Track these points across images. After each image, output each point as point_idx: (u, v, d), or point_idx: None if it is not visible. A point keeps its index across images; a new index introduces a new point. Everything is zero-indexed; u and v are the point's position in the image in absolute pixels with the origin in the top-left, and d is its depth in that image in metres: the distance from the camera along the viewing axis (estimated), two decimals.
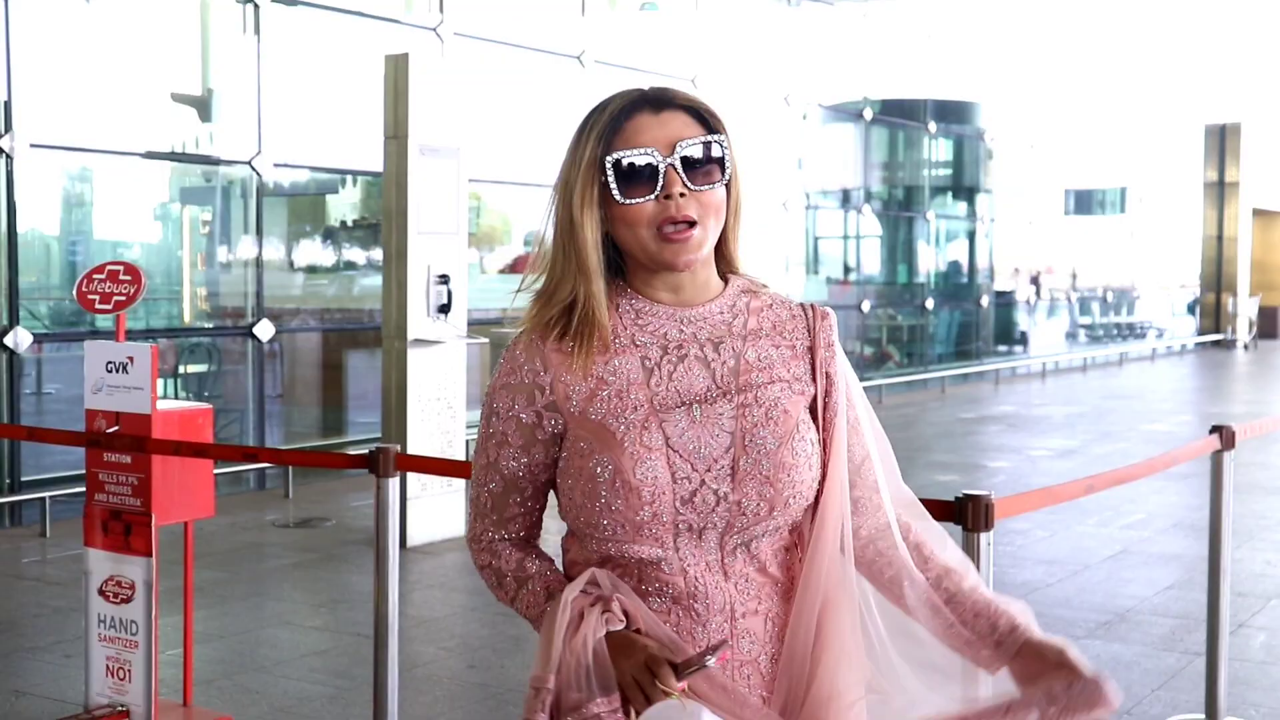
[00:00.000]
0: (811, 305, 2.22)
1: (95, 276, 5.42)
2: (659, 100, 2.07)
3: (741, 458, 2.05)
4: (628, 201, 2.02)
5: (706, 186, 2.03)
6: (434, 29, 12.22)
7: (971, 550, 3.63)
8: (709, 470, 2.04)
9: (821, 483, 2.12)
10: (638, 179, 2.01)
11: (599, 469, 2.04)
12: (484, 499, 2.19)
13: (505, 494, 2.17)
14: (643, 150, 2.01)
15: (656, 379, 2.08)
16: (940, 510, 3.68)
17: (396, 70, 8.44)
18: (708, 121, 2.08)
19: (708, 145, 2.04)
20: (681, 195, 2.01)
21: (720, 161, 2.05)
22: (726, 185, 2.08)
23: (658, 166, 2.01)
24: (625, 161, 2.01)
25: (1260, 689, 5.69)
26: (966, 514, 3.65)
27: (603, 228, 2.07)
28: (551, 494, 2.20)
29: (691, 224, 2.02)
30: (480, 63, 12.61)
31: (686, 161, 2.01)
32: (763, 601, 2.10)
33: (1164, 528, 8.95)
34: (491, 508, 2.18)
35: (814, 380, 2.16)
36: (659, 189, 2.01)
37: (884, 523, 2.19)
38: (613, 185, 2.02)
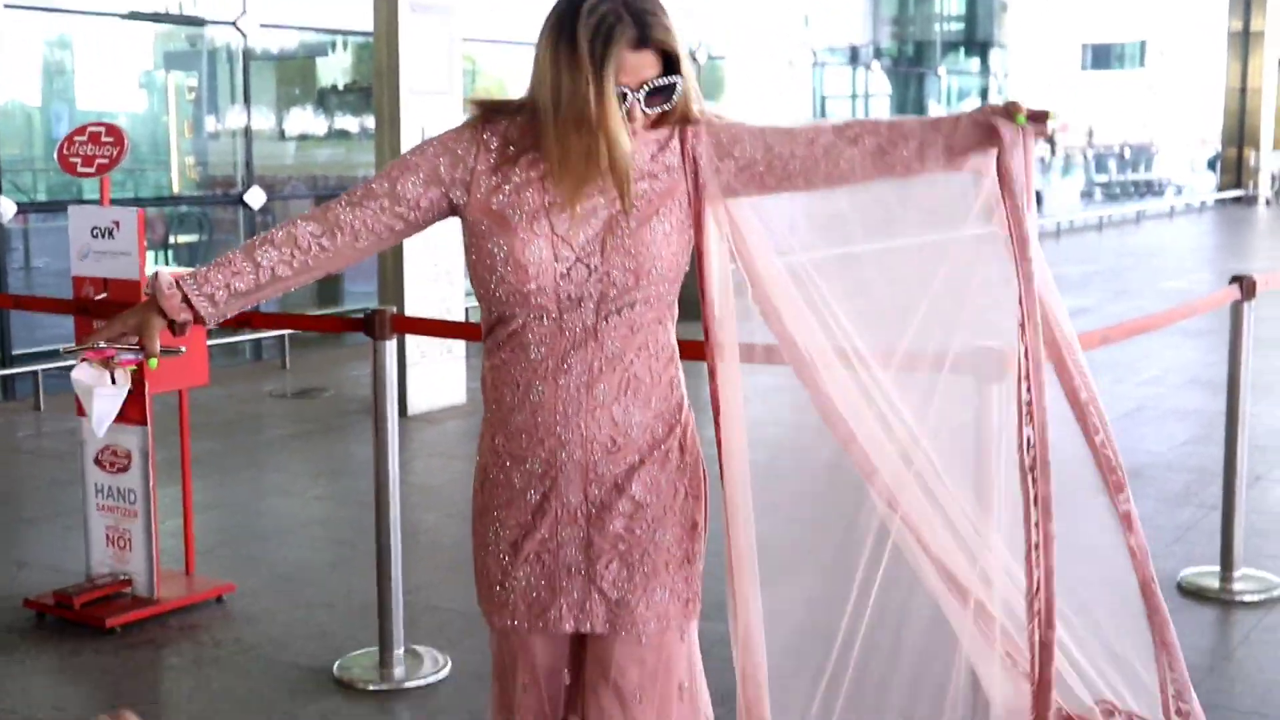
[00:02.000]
0: (709, 117, 2.64)
1: (76, 139, 5.39)
2: (641, 39, 2.44)
3: (608, 238, 2.48)
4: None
5: (656, 109, 2.51)
6: None
7: (987, 404, 3.64)
8: (583, 249, 2.49)
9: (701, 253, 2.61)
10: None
11: (495, 249, 2.51)
12: (357, 189, 2.61)
13: (371, 197, 2.58)
14: (620, 87, 2.42)
15: (551, 184, 2.51)
16: (954, 363, 3.70)
17: None
18: (670, 59, 2.49)
19: (667, 86, 2.49)
20: (637, 117, 2.48)
21: (671, 91, 2.51)
22: (668, 104, 2.54)
23: (627, 95, 2.45)
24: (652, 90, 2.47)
25: (1275, 541, 5.74)
26: (981, 368, 3.65)
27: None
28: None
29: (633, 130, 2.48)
30: None
31: (648, 95, 2.47)
32: (623, 362, 2.52)
33: (1180, 384, 8.98)
34: (352, 196, 2.60)
35: (684, 174, 2.58)
36: (624, 109, 2.45)
37: (800, 139, 2.56)
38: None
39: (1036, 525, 2.83)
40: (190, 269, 2.51)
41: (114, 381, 2.54)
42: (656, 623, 2.53)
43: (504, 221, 2.50)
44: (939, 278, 2.75)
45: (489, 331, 2.59)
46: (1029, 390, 2.80)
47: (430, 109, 8.43)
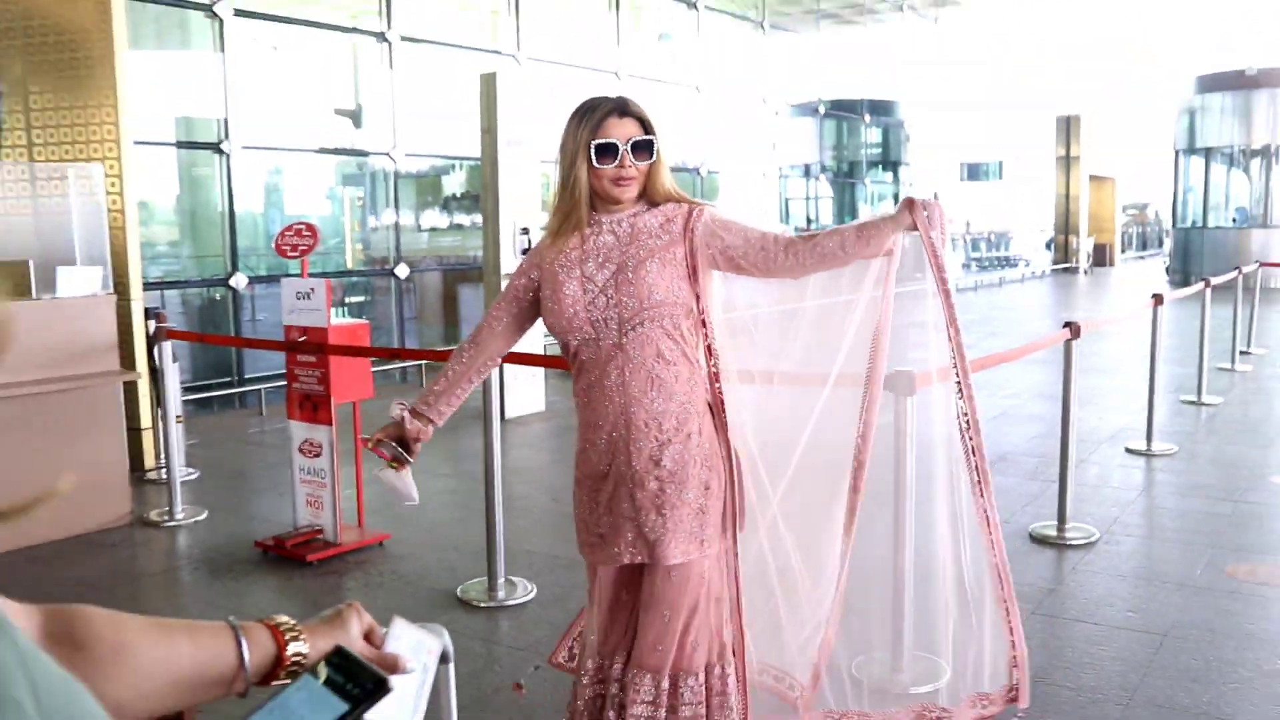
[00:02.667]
0: (693, 203, 2.59)
1: (286, 233, 5.46)
2: (622, 110, 2.48)
3: (619, 276, 2.47)
4: (602, 166, 2.47)
5: (643, 162, 2.50)
6: (514, 55, 12.12)
7: (901, 409, 3.66)
8: (603, 285, 2.49)
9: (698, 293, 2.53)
10: (607, 154, 2.46)
11: (547, 294, 2.54)
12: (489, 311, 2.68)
13: (499, 300, 2.66)
14: (611, 140, 2.46)
15: (584, 245, 2.52)
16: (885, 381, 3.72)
17: (488, 85, 8.39)
18: (646, 125, 2.51)
19: (646, 142, 2.49)
20: (629, 165, 2.48)
21: (650, 147, 2.49)
22: (652, 159, 2.52)
23: (618, 146, 2.46)
24: (603, 144, 2.46)
25: (1092, 503, 5.74)
26: (898, 384, 3.67)
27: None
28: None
29: (631, 179, 2.50)
30: (547, 78, 12.52)
31: (634, 148, 2.47)
32: (645, 366, 2.48)
33: (1031, 397, 8.97)
34: (489, 311, 2.67)
35: (683, 240, 2.52)
36: (617, 161, 2.47)
37: (776, 243, 2.53)
38: (593, 157, 2.47)
39: (986, 499, 2.75)
40: (416, 402, 2.64)
41: (397, 471, 2.61)
42: (680, 557, 2.50)
43: (553, 275, 2.53)
44: (853, 323, 2.72)
45: (570, 361, 2.57)
46: (965, 397, 2.82)
47: (518, 210, 8.50)
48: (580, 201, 2.51)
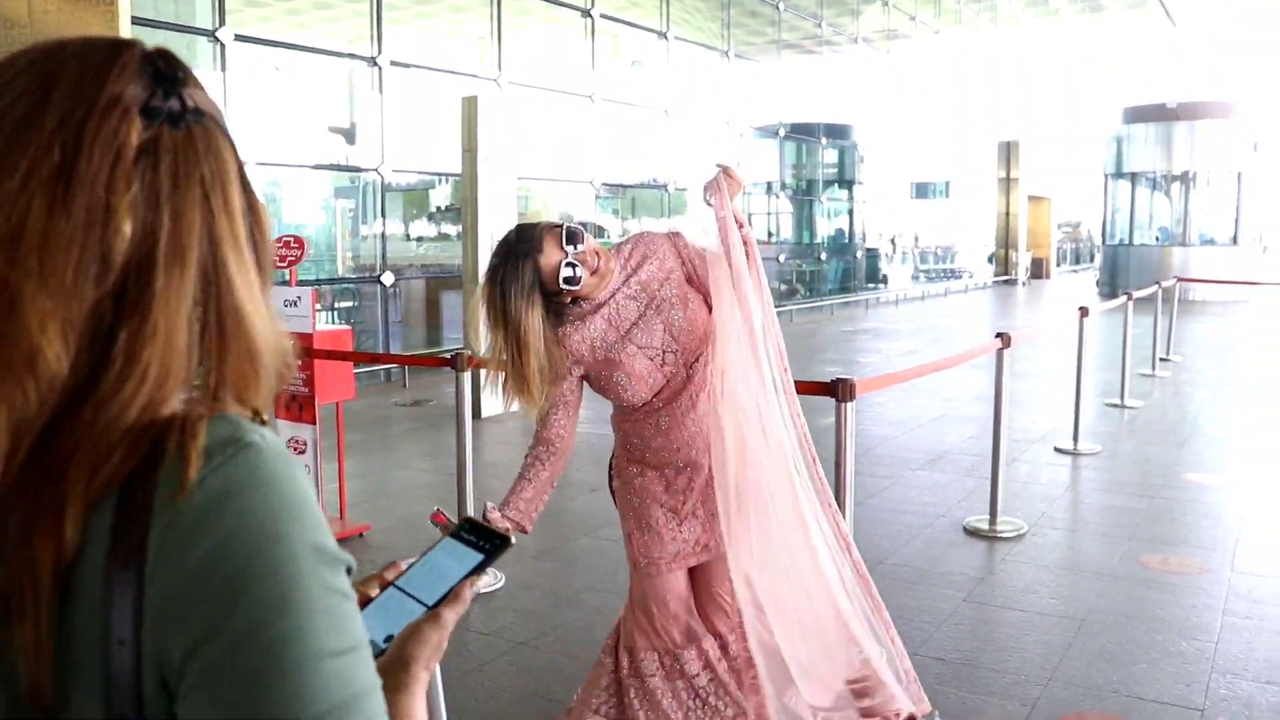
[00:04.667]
0: (671, 232, 2.58)
1: (275, 244, 5.40)
2: (524, 251, 2.34)
3: (672, 329, 2.44)
4: (569, 284, 2.37)
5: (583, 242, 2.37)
6: (495, 80, 12.07)
7: (841, 414, 3.65)
8: (663, 347, 2.45)
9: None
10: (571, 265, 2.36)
11: (619, 378, 2.43)
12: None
13: (552, 405, 2.48)
14: (566, 259, 2.34)
15: (613, 323, 2.45)
16: (820, 389, 3.71)
17: (469, 107, 8.35)
18: (548, 234, 2.37)
19: (575, 230, 2.37)
20: (587, 249, 2.37)
21: (575, 239, 2.36)
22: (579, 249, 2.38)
23: (568, 260, 2.34)
24: (567, 263, 2.35)
25: (1022, 499, 5.75)
26: (838, 390, 3.66)
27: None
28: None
29: (592, 260, 2.38)
30: (526, 100, 12.48)
31: (572, 236, 2.35)
32: (708, 381, 2.47)
33: (968, 400, 8.99)
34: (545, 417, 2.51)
35: (682, 264, 2.51)
36: (577, 261, 2.35)
37: None
38: (562, 276, 2.36)
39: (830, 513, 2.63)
40: (506, 507, 2.47)
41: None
42: (718, 552, 2.57)
43: (610, 363, 2.44)
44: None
45: (632, 410, 2.53)
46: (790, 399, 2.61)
47: (496, 223, 8.45)
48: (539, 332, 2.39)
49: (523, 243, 2.36)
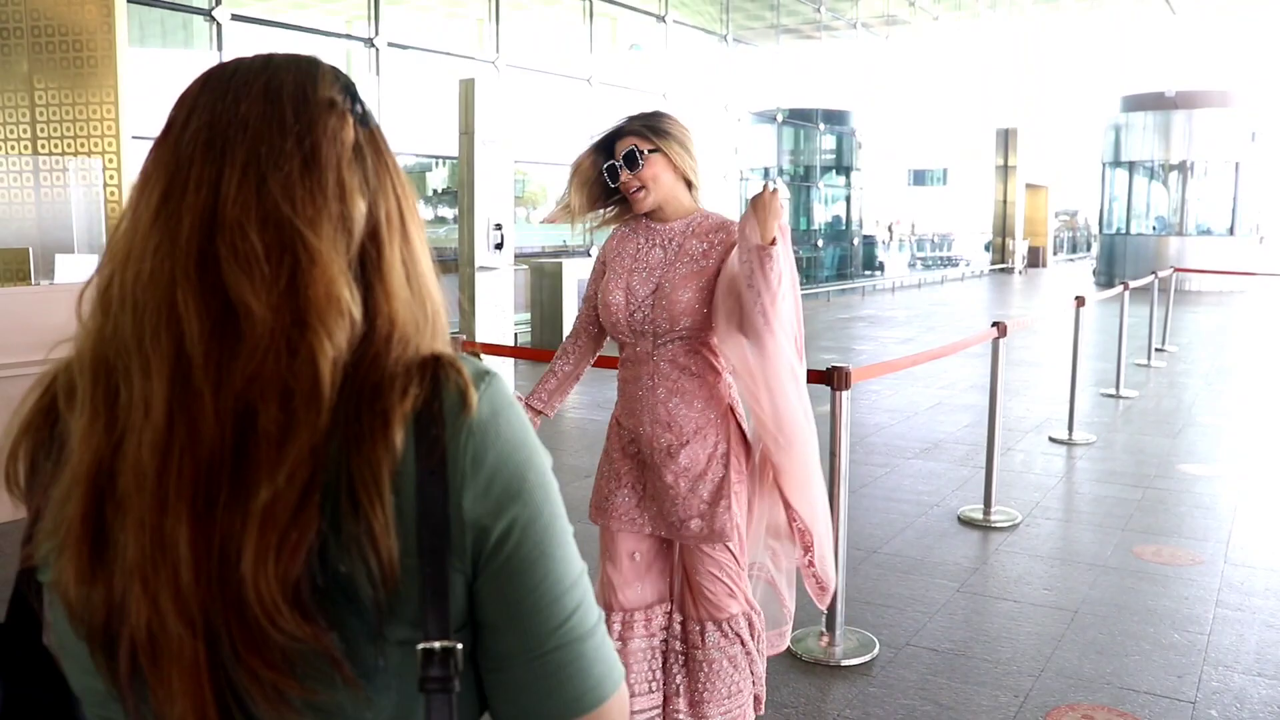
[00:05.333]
0: (733, 222, 2.57)
1: None
2: (619, 131, 2.55)
3: (656, 296, 2.51)
4: (613, 184, 2.58)
5: (640, 168, 2.52)
6: (493, 62, 12.01)
7: (836, 402, 3.65)
8: (642, 300, 2.52)
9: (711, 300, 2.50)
10: (613, 174, 2.56)
11: (602, 290, 2.60)
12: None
13: (588, 308, 2.71)
14: (610, 161, 2.56)
15: (637, 255, 2.58)
16: (818, 377, 3.71)
17: (466, 90, 8.31)
18: (647, 134, 2.53)
19: (629, 153, 2.51)
20: (627, 177, 2.54)
21: (633, 157, 2.50)
22: (669, 160, 2.54)
23: (616, 165, 2.54)
24: (608, 166, 2.57)
25: (1018, 488, 5.76)
26: (834, 379, 3.66)
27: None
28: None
29: (641, 188, 2.53)
30: (524, 83, 12.43)
31: (628, 159, 2.51)
32: (671, 377, 2.53)
33: (964, 388, 8.99)
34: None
35: (721, 263, 2.50)
36: (619, 176, 2.55)
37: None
38: (606, 177, 2.58)
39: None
40: (529, 397, 2.73)
41: None
42: (693, 540, 2.57)
43: (608, 277, 2.60)
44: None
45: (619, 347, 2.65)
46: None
47: (493, 207, 8.42)
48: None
49: (612, 136, 2.60)
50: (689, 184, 2.59)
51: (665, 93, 15.09)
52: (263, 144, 0.79)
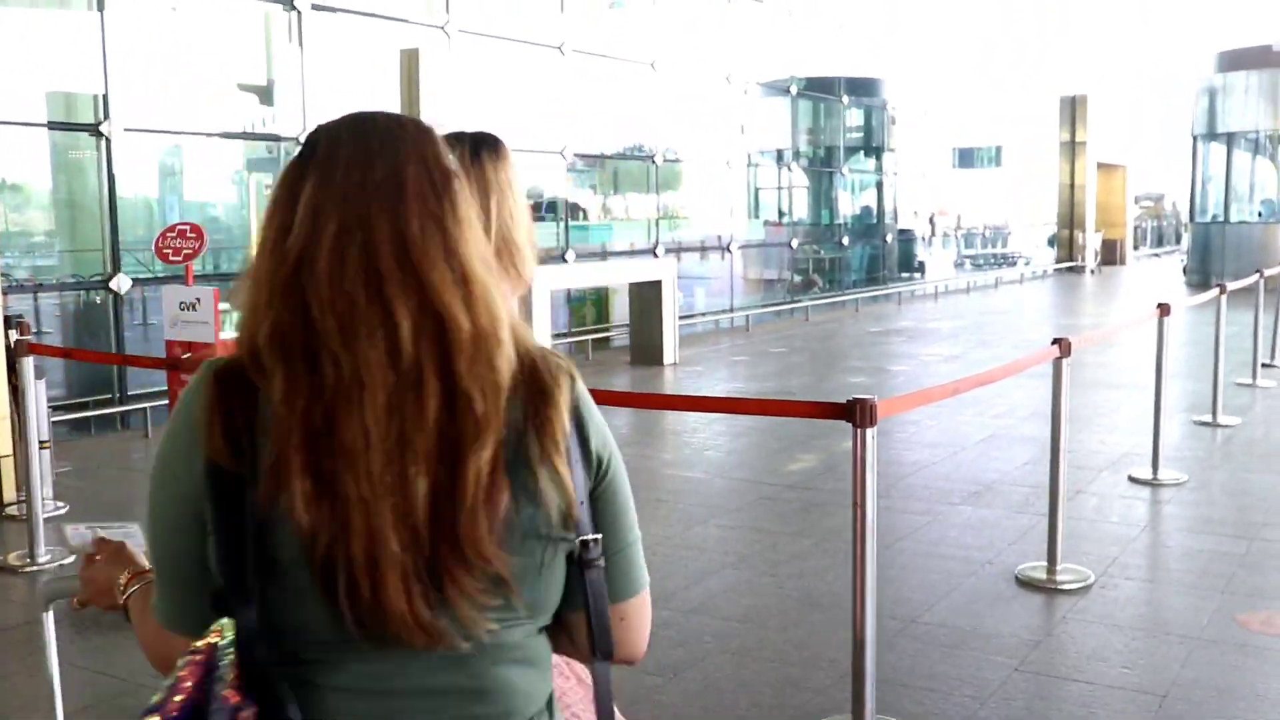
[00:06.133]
0: None
1: (168, 235, 5.38)
2: None
3: None
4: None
5: None
6: (442, 27, 12.04)
7: (859, 441, 3.63)
8: None
9: None
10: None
11: None
12: None
13: None
14: None
15: None
16: (835, 411, 3.69)
17: (409, 61, 8.34)
18: None
19: None
20: None
21: None
22: None
23: None
24: None
25: (1090, 540, 5.72)
26: (854, 413, 3.64)
27: None
28: None
29: None
30: (480, 53, 12.46)
31: None
32: None
33: (1024, 416, 8.97)
34: None
35: None
36: None
37: None
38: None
39: None
40: None
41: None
42: None
43: None
44: None
45: None
46: None
47: None
48: None
49: None
50: None
51: (654, 61, 15.15)
52: (429, 199, 1.26)
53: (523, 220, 2.07)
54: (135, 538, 1.68)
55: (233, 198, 12.46)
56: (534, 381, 1.29)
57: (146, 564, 1.54)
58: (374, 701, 1.26)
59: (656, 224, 15.70)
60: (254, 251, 1.33)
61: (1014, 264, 28.28)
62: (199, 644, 1.20)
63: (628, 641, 1.44)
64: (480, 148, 2.53)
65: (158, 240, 5.42)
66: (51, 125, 9.52)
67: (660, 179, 15.72)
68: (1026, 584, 5.14)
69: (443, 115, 8.44)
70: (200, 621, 1.24)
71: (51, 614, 2.34)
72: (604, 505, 1.38)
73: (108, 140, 9.19)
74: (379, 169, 1.25)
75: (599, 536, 1.35)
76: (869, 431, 3.67)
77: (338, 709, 1.26)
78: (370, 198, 1.23)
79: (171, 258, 5.35)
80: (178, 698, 1.17)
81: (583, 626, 1.38)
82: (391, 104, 8.62)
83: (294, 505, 1.17)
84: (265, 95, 11.62)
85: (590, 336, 13.69)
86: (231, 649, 1.19)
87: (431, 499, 1.20)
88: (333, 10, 11.11)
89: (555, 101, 13.63)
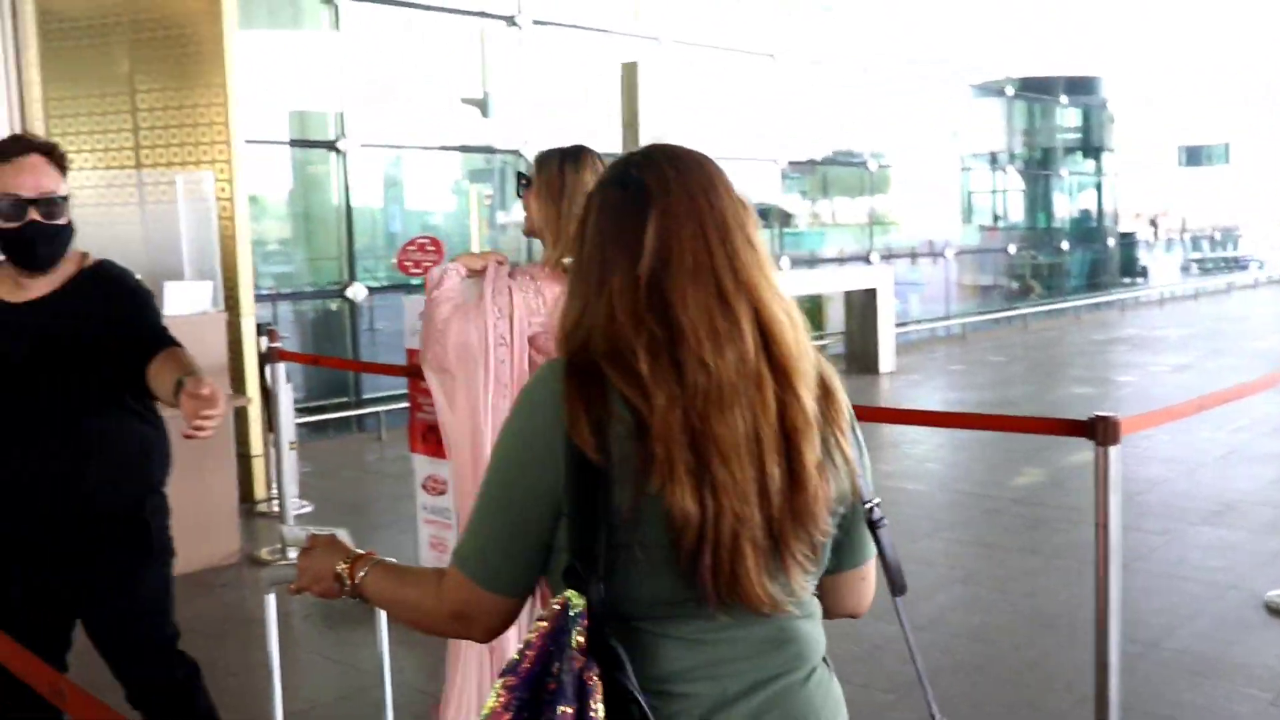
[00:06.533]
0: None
1: (409, 248, 5.59)
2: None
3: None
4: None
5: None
6: (655, 38, 12.21)
7: (1101, 459, 3.55)
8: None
9: None
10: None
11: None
12: None
13: None
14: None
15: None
16: (1075, 428, 3.63)
17: (629, 74, 8.49)
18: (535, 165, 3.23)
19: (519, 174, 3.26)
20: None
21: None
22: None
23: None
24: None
25: None
26: (1097, 431, 3.57)
27: None
28: None
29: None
30: (693, 62, 12.59)
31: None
32: None
33: (1267, 431, 8.57)
34: None
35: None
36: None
37: None
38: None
39: None
40: None
41: None
42: None
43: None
44: None
45: None
46: None
47: None
48: None
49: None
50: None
51: (866, 64, 15.00)
52: (745, 226, 1.45)
53: None
54: (342, 537, 1.84)
55: (451, 207, 12.87)
56: (819, 376, 1.47)
57: (359, 551, 1.74)
58: (703, 651, 1.42)
59: (870, 230, 15.55)
60: (581, 271, 1.47)
61: (1246, 268, 26.99)
62: (544, 612, 1.36)
63: (866, 595, 1.65)
64: (565, 159, 3.08)
65: (399, 254, 5.62)
66: (294, 143, 10.04)
67: (873, 184, 15.57)
68: (1278, 612, 4.91)
69: (662, 127, 8.56)
70: (512, 584, 1.46)
71: (274, 598, 2.53)
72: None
73: (344, 155, 9.65)
74: (707, 201, 1.44)
75: (880, 500, 1.54)
76: (1113, 450, 3.58)
77: (670, 656, 1.41)
78: (706, 227, 1.42)
79: (413, 270, 5.56)
80: (529, 655, 1.33)
81: (836, 587, 1.59)
82: (610, 116, 8.80)
83: (677, 495, 1.34)
84: (484, 107, 11.98)
85: None
86: (581, 618, 1.33)
87: (783, 485, 1.39)
88: (553, 25, 11.40)
89: (767, 108, 13.65)
